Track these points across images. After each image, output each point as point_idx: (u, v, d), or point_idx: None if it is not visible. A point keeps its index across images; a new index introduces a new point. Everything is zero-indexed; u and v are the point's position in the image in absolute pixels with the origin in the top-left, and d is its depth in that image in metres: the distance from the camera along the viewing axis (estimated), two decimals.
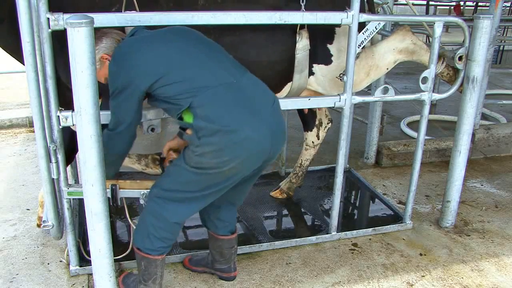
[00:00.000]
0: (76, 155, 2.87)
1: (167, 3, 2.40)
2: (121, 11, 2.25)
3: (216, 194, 2.20)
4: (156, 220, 2.20)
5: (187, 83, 1.99)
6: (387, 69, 2.94)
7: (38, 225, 2.95)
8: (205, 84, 1.99)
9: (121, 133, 2.12)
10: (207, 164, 2.04)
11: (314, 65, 2.78)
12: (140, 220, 2.27)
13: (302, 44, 2.64)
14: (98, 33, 2.11)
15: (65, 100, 2.22)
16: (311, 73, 2.80)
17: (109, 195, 2.38)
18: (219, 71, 2.04)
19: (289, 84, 2.79)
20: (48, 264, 2.71)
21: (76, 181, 3.33)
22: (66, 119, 2.19)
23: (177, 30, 2.15)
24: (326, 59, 2.79)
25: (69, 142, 2.39)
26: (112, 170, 2.32)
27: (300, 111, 3.32)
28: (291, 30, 2.63)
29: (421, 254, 2.91)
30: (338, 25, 2.72)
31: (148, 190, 2.40)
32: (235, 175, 2.13)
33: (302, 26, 2.62)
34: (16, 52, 2.36)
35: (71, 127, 2.28)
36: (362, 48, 2.78)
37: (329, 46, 2.78)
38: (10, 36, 2.32)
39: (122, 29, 2.28)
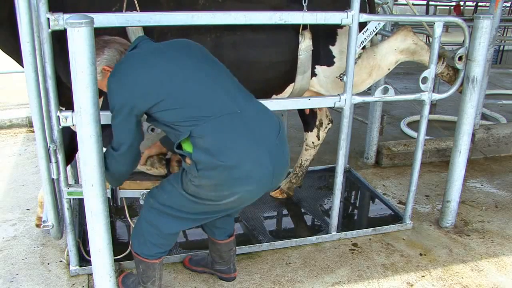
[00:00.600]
0: (76, 155, 2.87)
1: (168, 3, 2.39)
2: (121, 11, 2.25)
3: (212, 219, 2.19)
4: (152, 228, 2.18)
5: (188, 110, 1.89)
6: (389, 69, 2.94)
7: (37, 225, 2.94)
8: (207, 113, 1.89)
9: (124, 154, 2.03)
10: (205, 196, 2.00)
11: (316, 66, 2.77)
12: (137, 226, 2.25)
13: (305, 45, 2.63)
14: (101, 42, 2.04)
15: (66, 100, 2.22)
16: (313, 74, 2.79)
17: (109, 195, 2.38)
18: (223, 98, 1.94)
19: (291, 85, 2.78)
20: (48, 264, 2.71)
21: (76, 181, 3.33)
22: (66, 119, 2.18)
23: (181, 45, 2.04)
24: (328, 60, 2.79)
25: (69, 142, 2.38)
26: (115, 184, 2.28)
27: (301, 111, 3.32)
28: (294, 31, 2.62)
29: (421, 254, 2.91)
30: (340, 26, 2.72)
31: (148, 191, 2.41)
32: (233, 208, 2.12)
33: (305, 27, 2.62)
34: (17, 54, 2.35)
35: (71, 127, 2.28)
36: (363, 48, 2.78)
37: (331, 47, 2.77)
38: (11, 38, 2.31)
39: (123, 31, 2.27)
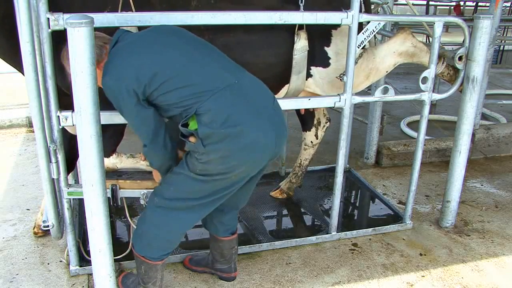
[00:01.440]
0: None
1: (161, 5, 2.38)
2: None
3: (222, 199, 2.17)
4: (158, 231, 2.16)
5: (191, 88, 1.92)
6: (387, 72, 2.95)
7: (35, 233, 2.93)
8: (209, 87, 1.93)
9: (154, 143, 2.03)
10: (214, 171, 2.00)
11: (312, 67, 2.78)
12: (139, 227, 2.22)
13: (300, 45, 2.63)
14: None
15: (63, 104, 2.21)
16: (309, 75, 2.79)
17: (109, 195, 2.38)
18: (220, 72, 1.99)
19: (286, 86, 2.78)
20: (48, 264, 2.71)
21: (76, 181, 3.33)
22: (66, 119, 2.18)
23: (168, 30, 2.06)
24: (324, 61, 2.79)
25: (69, 150, 2.37)
26: (168, 165, 2.18)
27: (298, 111, 3.32)
28: (289, 31, 2.61)
29: (421, 254, 2.91)
30: (335, 28, 2.73)
31: (148, 191, 2.40)
32: (242, 179, 2.10)
33: (300, 27, 2.62)
34: (14, 60, 2.34)
35: (69, 130, 2.28)
36: (362, 48, 2.78)
37: (326, 48, 2.77)
38: (6, 44, 2.29)
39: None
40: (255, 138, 1.95)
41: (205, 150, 1.93)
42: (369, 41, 2.89)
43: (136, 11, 2.25)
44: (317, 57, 2.76)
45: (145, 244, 2.21)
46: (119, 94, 1.92)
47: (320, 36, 2.74)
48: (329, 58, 2.78)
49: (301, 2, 2.51)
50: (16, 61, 2.29)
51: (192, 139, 1.98)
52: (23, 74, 2.16)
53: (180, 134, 2.04)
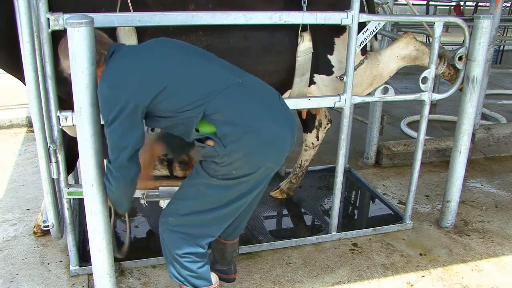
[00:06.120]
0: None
1: (157, 9, 2.37)
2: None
3: (245, 205, 2.10)
4: (190, 263, 2.09)
5: (195, 90, 1.86)
6: (389, 76, 2.97)
7: (35, 233, 2.94)
8: (214, 88, 1.87)
9: (128, 161, 1.89)
10: (239, 172, 1.93)
11: (315, 75, 2.78)
12: (172, 265, 2.12)
13: (304, 46, 2.62)
14: None
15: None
16: (312, 82, 2.80)
17: None
18: (222, 72, 1.95)
19: (289, 91, 2.78)
20: (48, 264, 2.71)
21: (76, 181, 3.33)
22: (66, 119, 2.18)
23: (162, 41, 2.03)
24: (327, 69, 2.80)
25: (68, 151, 2.37)
26: (126, 202, 2.10)
27: (299, 114, 3.32)
28: (292, 33, 2.61)
29: (421, 254, 2.91)
30: (338, 36, 2.74)
31: (148, 190, 2.40)
32: (266, 177, 2.05)
33: (304, 29, 2.62)
34: (15, 70, 2.34)
35: (68, 132, 2.27)
36: (363, 51, 2.78)
37: (329, 56, 2.78)
38: (7, 54, 2.29)
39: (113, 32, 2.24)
40: (273, 131, 1.92)
41: (227, 150, 1.85)
42: (372, 46, 2.90)
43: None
44: (320, 65, 2.76)
45: (183, 280, 2.13)
46: (112, 102, 1.82)
47: (324, 44, 2.74)
48: (332, 66, 2.79)
49: (304, 2, 2.52)
50: (14, 69, 2.29)
51: (210, 142, 1.90)
52: (23, 82, 2.16)
53: (190, 142, 1.97)
